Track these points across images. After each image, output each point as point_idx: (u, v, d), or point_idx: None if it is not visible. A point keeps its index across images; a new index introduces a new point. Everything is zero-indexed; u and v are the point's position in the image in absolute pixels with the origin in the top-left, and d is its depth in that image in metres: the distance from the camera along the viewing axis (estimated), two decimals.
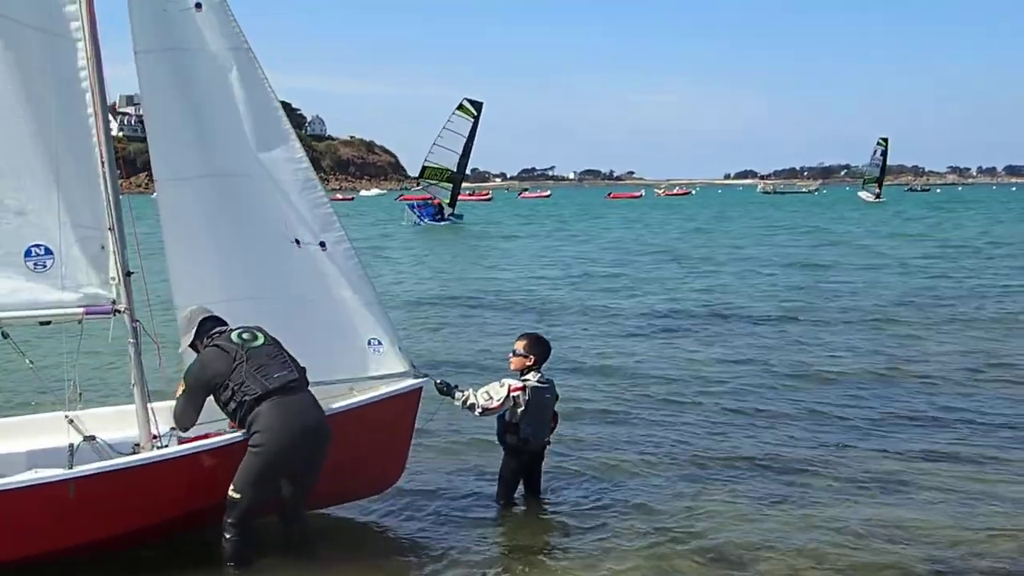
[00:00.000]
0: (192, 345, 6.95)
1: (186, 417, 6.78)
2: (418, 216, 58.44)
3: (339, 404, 7.19)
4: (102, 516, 6.37)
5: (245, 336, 6.77)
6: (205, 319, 6.95)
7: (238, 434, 6.69)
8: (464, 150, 58.11)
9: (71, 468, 6.60)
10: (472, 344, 15.91)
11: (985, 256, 32.89)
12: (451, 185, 58.67)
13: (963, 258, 32.15)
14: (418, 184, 60.90)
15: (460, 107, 58.33)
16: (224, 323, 6.96)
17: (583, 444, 9.84)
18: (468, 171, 63.17)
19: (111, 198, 6.90)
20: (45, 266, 6.87)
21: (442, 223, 57.30)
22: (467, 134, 57.97)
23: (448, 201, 58.79)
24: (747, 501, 8.18)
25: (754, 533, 7.45)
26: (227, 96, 7.11)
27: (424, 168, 59.21)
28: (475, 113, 58.20)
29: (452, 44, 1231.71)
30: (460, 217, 59.71)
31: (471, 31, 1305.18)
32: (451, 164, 58.06)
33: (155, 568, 6.64)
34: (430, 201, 58.63)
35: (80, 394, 7.47)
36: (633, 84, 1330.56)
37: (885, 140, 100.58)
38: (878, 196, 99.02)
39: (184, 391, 6.75)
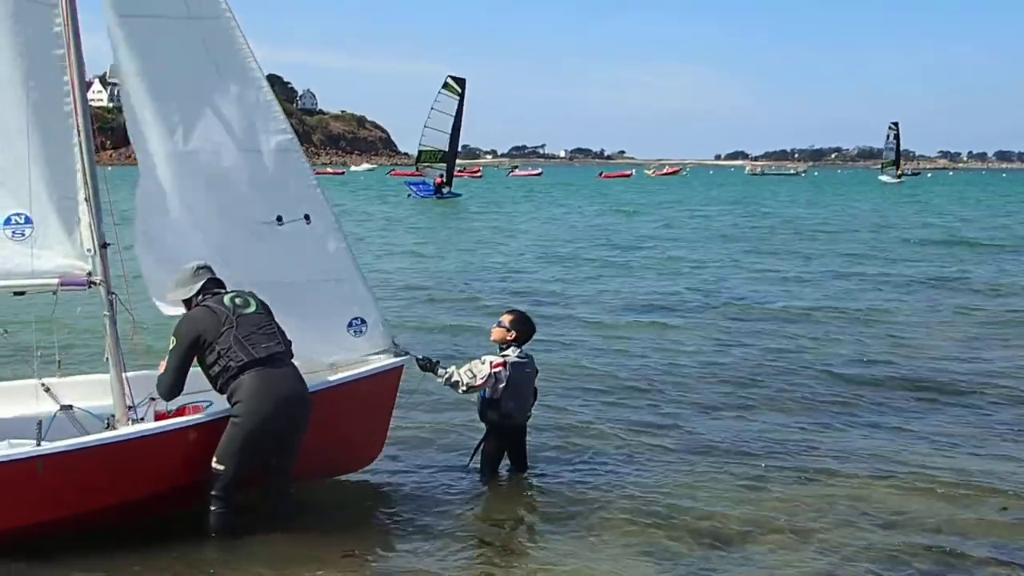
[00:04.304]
0: (187, 301, 6.84)
1: (171, 380, 6.65)
2: (414, 190, 60.64)
3: (321, 381, 7.12)
4: (72, 494, 6.27)
5: (237, 301, 6.72)
6: (210, 279, 6.86)
7: (214, 412, 6.64)
8: (453, 128, 59.58)
9: (46, 437, 6.54)
10: (456, 319, 15.83)
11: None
12: (445, 164, 60.32)
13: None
14: (417, 170, 63.00)
15: (445, 85, 59.71)
16: (223, 285, 6.89)
17: (571, 422, 9.79)
18: (459, 147, 64.62)
19: (87, 169, 6.80)
20: (24, 235, 6.80)
21: (441, 197, 58.93)
22: (454, 112, 59.47)
23: (445, 179, 60.44)
24: (736, 480, 8.17)
25: (742, 512, 7.44)
26: (207, 66, 6.98)
27: (420, 152, 61.07)
28: (459, 90, 59.55)
29: (444, 21, 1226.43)
30: (458, 195, 61.46)
31: (464, 8, 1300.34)
32: (443, 144, 59.79)
33: (140, 539, 6.53)
34: (434, 179, 60.13)
35: (59, 362, 7.42)
36: (625, 65, 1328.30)
37: (896, 124, 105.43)
38: (899, 178, 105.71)
39: (172, 348, 6.66)
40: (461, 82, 59.80)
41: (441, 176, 59.77)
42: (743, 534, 7.03)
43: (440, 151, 59.95)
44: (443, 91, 59.68)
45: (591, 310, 17.25)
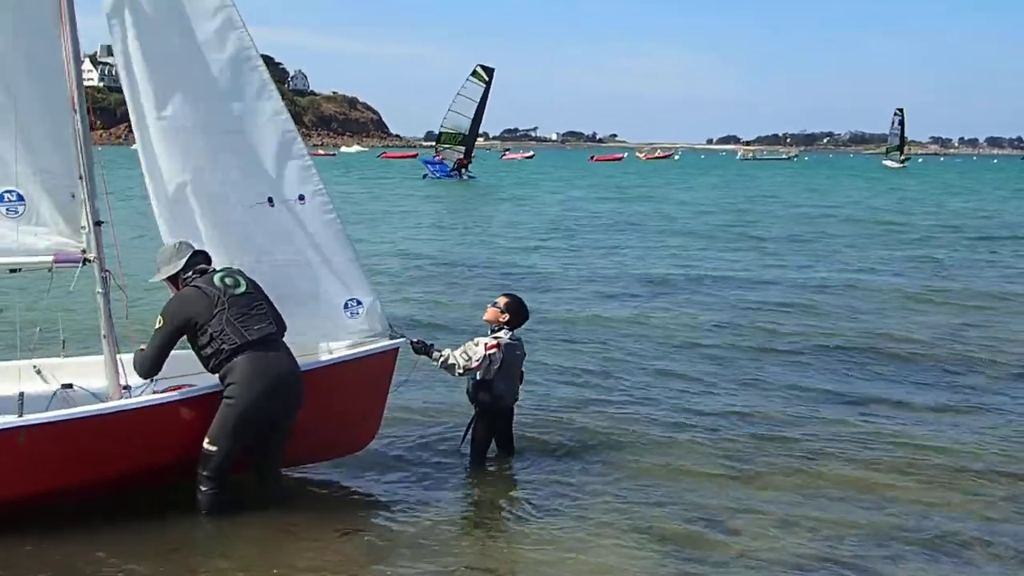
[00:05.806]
0: (172, 278, 6.79)
1: (153, 359, 6.61)
2: (431, 170, 64.93)
3: (315, 361, 7.12)
4: (55, 466, 6.26)
5: (228, 281, 6.67)
6: (194, 253, 6.81)
7: (200, 387, 6.65)
8: (476, 113, 63.95)
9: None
10: (454, 300, 15.86)
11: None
12: (464, 147, 64.45)
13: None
14: (436, 152, 67.17)
15: (474, 73, 64.45)
16: (210, 261, 6.85)
17: (559, 404, 9.81)
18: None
19: (82, 147, 6.78)
20: (17, 212, 6.79)
21: (461, 178, 63.02)
22: (479, 98, 63.78)
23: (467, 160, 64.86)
24: (723, 464, 8.20)
25: (730, 496, 7.48)
26: (204, 47, 6.94)
27: (440, 134, 66.05)
28: (487, 78, 64.32)
29: (438, 2, 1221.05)
30: (473, 177, 64.96)
31: None
32: (464, 128, 64.08)
33: (131, 518, 6.55)
34: (458, 159, 64.30)
35: (63, 342, 7.44)
36: (618, 48, 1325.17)
37: (901, 110, 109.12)
38: (903, 163, 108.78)
39: (158, 328, 6.60)
40: (490, 71, 64.42)
41: (462, 156, 63.54)
42: (731, 517, 7.07)
43: (460, 134, 64.24)
44: (471, 78, 64.19)
45: (576, 294, 17.26)
